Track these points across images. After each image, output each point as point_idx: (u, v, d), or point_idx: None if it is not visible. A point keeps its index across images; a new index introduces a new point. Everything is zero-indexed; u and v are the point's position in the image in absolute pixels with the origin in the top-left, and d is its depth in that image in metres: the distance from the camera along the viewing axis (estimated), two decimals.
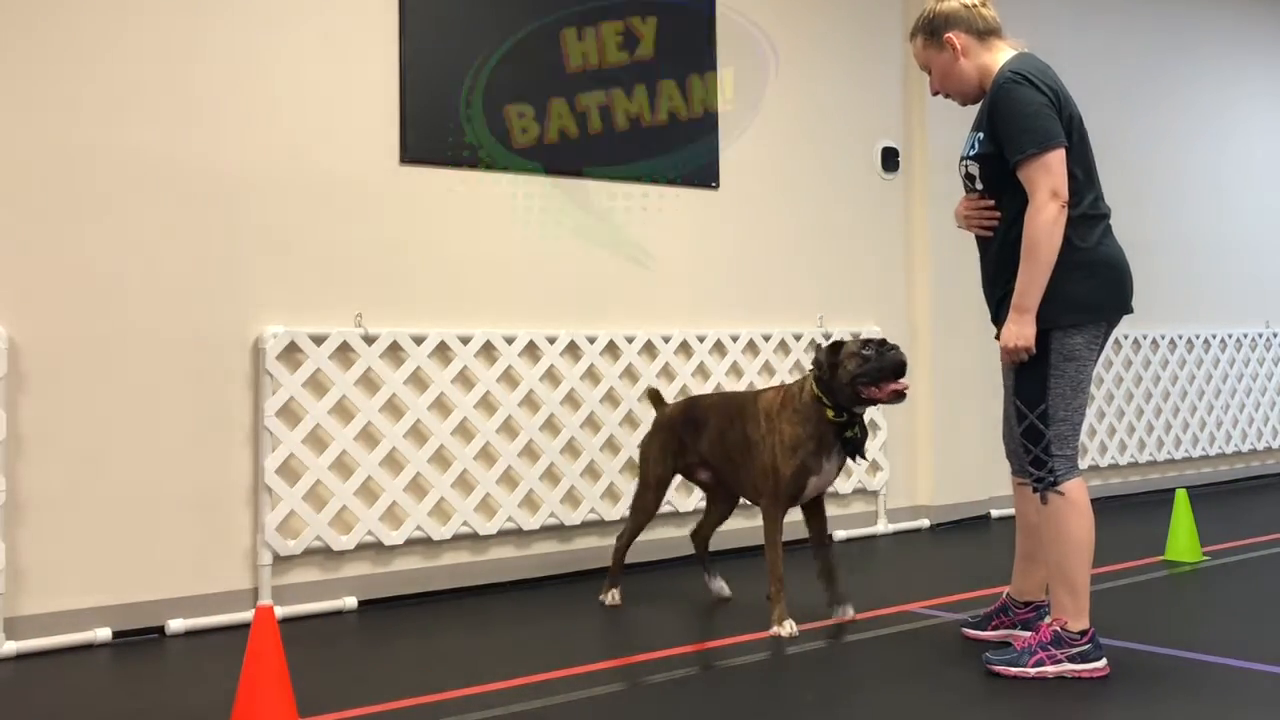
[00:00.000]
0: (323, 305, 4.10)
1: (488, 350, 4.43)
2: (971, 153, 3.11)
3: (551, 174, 4.63)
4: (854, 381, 3.44)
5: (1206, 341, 7.06)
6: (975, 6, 3.15)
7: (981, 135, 3.08)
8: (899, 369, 3.43)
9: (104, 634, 3.57)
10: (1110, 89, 6.75)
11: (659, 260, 4.92)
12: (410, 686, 3.02)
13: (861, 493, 5.50)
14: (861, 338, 3.57)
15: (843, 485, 5.37)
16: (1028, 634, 3.22)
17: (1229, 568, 4.42)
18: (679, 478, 4.25)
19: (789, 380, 5.23)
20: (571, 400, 4.61)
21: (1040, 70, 3.04)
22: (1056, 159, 2.93)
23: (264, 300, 3.98)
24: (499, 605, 4.07)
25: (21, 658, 3.43)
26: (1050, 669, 2.95)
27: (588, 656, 3.28)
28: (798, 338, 5.30)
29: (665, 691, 2.95)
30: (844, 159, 5.52)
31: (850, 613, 3.71)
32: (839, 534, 5.30)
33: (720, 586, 4.11)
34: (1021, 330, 2.95)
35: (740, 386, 5.05)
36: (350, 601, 4.02)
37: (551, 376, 4.57)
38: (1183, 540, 4.56)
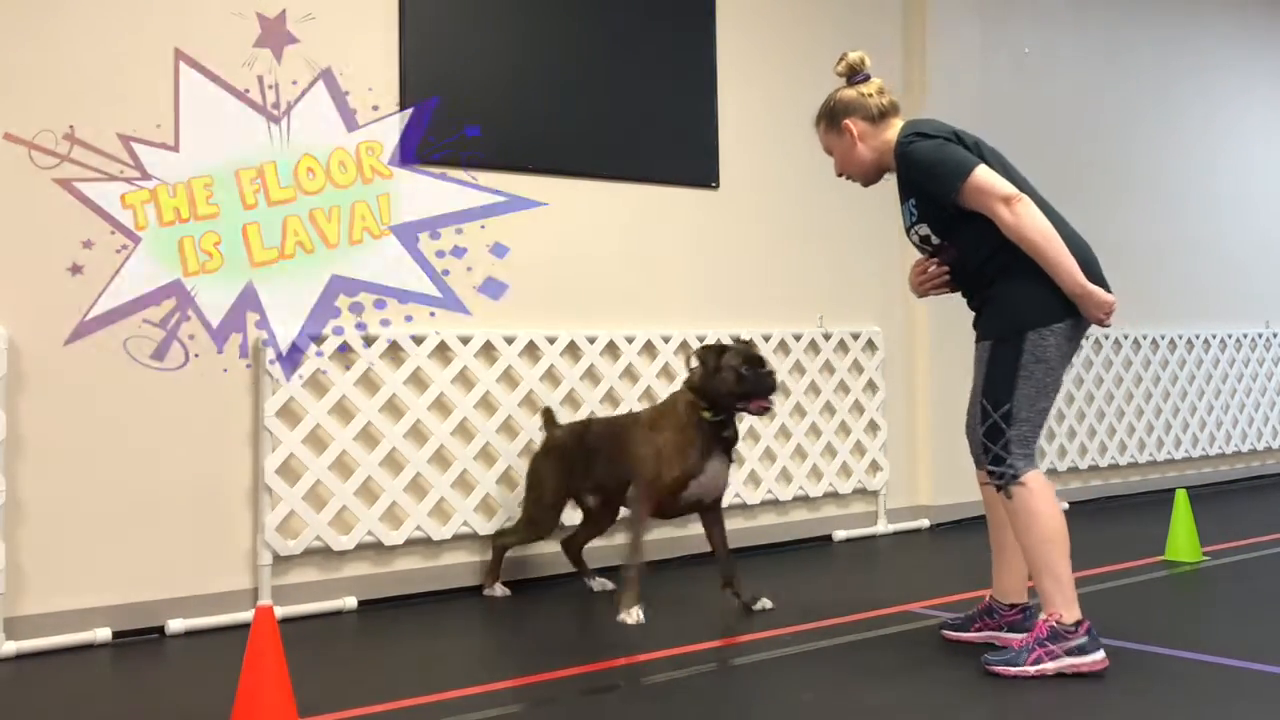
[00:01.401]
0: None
1: (488, 350, 4.43)
2: (913, 220, 3.24)
3: (551, 173, 4.63)
4: (728, 394, 3.72)
5: (1206, 341, 7.06)
6: (870, 95, 3.29)
7: (913, 201, 3.21)
8: (769, 390, 3.72)
9: (104, 634, 3.57)
10: (1110, 89, 6.76)
11: (659, 260, 4.92)
12: (410, 686, 3.02)
13: (861, 493, 5.50)
14: (742, 344, 3.84)
15: (842, 485, 5.38)
16: (1014, 636, 3.24)
17: (1229, 568, 4.42)
18: None
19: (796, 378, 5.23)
20: (572, 400, 4.61)
21: (926, 123, 3.22)
22: (981, 174, 3.04)
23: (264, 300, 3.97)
24: (499, 605, 4.07)
25: (21, 658, 3.43)
26: (1050, 665, 2.95)
27: (588, 656, 3.28)
28: (798, 338, 5.30)
29: (666, 691, 2.95)
30: None
31: (768, 603, 3.85)
32: (839, 534, 5.30)
33: (603, 583, 4.23)
34: (1096, 302, 3.04)
35: None
36: (350, 601, 4.02)
37: (551, 376, 4.57)
38: (1183, 540, 4.55)
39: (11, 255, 3.57)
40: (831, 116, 3.32)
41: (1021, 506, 3.04)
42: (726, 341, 3.97)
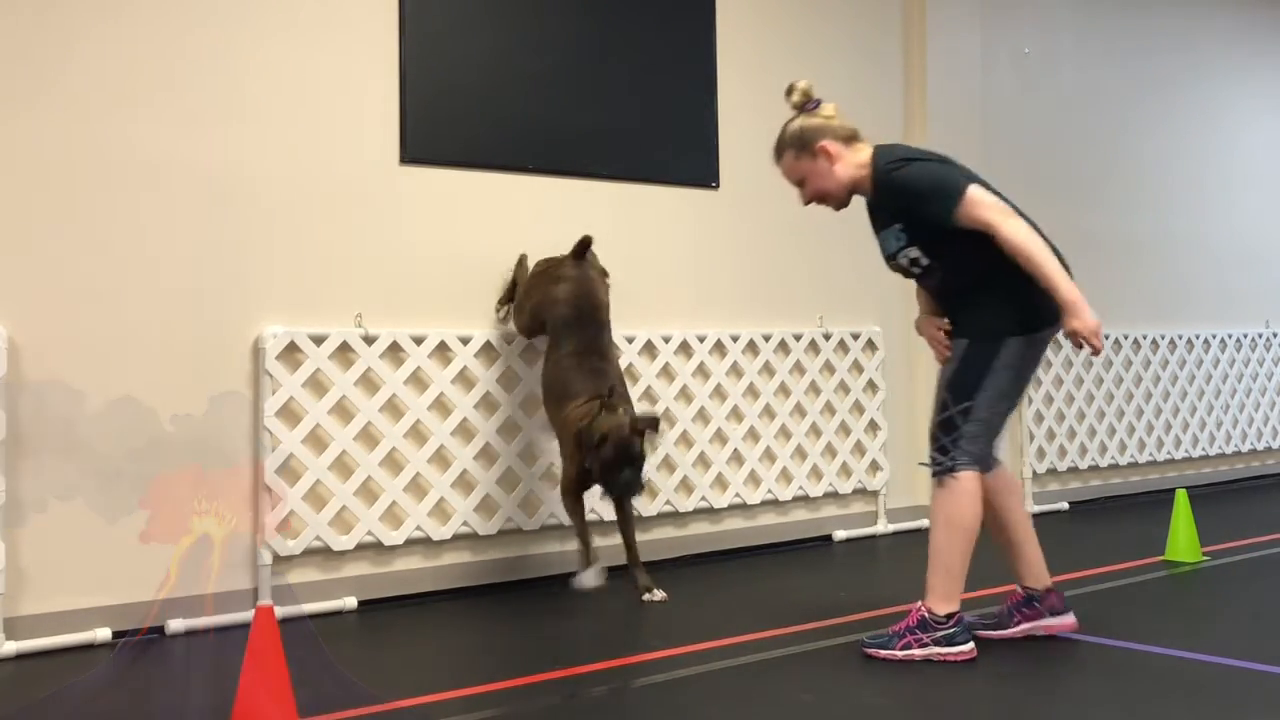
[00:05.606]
0: (323, 305, 4.10)
1: (487, 350, 4.43)
2: (902, 244, 3.28)
3: (552, 173, 4.63)
4: (596, 474, 3.83)
5: (1206, 341, 7.06)
6: (832, 118, 3.35)
7: (899, 226, 3.26)
8: (623, 493, 3.84)
9: (104, 634, 3.57)
10: (1111, 90, 6.76)
11: (659, 260, 4.93)
12: (410, 686, 3.02)
13: (861, 493, 5.50)
14: (630, 433, 3.78)
15: (842, 485, 5.38)
16: (1055, 621, 3.36)
17: (1229, 568, 4.42)
18: None
19: (798, 375, 5.24)
20: None
21: (903, 148, 3.30)
22: (976, 192, 3.12)
23: (264, 300, 3.98)
24: (499, 605, 4.07)
25: (21, 658, 3.43)
26: (917, 652, 3.14)
27: (588, 656, 3.28)
28: (798, 338, 5.30)
29: (666, 691, 2.95)
30: None
31: (658, 595, 4.02)
32: (839, 534, 5.30)
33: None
34: (1087, 322, 3.02)
35: (740, 386, 5.05)
36: (350, 601, 4.02)
37: None
38: (1183, 540, 4.56)
39: (11, 255, 3.57)
40: (803, 143, 3.35)
41: (948, 499, 3.19)
42: (623, 423, 3.81)
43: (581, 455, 3.87)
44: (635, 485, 3.78)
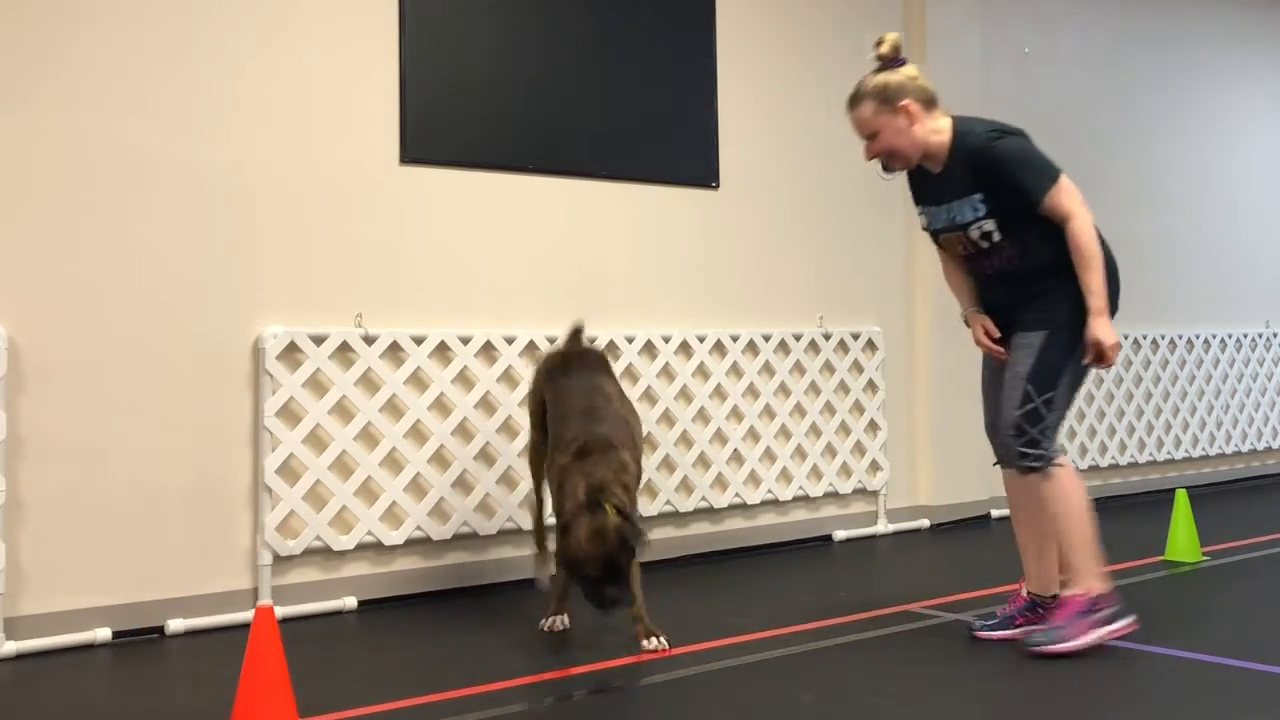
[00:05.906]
0: (323, 305, 4.10)
1: (488, 350, 4.43)
2: (979, 215, 3.25)
3: (552, 173, 4.63)
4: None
5: (1206, 341, 7.06)
6: (917, 79, 3.33)
7: (979, 195, 3.24)
8: (596, 605, 3.28)
9: (104, 634, 3.58)
10: (1111, 89, 6.76)
11: (659, 260, 4.92)
12: (410, 686, 3.02)
13: (861, 493, 5.50)
14: (607, 568, 3.23)
15: (842, 485, 5.38)
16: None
17: (1229, 568, 4.42)
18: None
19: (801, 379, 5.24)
20: None
21: (994, 121, 3.31)
22: (1067, 180, 3.20)
23: (264, 300, 3.98)
24: (499, 605, 4.07)
25: (21, 658, 3.43)
26: (1092, 637, 3.14)
27: (589, 656, 3.28)
28: (798, 338, 5.30)
29: (667, 690, 2.95)
30: (844, 158, 5.52)
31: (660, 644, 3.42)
32: (839, 534, 5.30)
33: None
34: (1110, 335, 3.17)
35: (740, 386, 5.05)
36: (350, 601, 4.02)
37: None
38: (1183, 540, 4.56)
39: (11, 255, 3.57)
40: (886, 97, 3.29)
41: (1060, 486, 3.19)
42: (606, 531, 3.24)
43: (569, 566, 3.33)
44: (620, 601, 3.29)
